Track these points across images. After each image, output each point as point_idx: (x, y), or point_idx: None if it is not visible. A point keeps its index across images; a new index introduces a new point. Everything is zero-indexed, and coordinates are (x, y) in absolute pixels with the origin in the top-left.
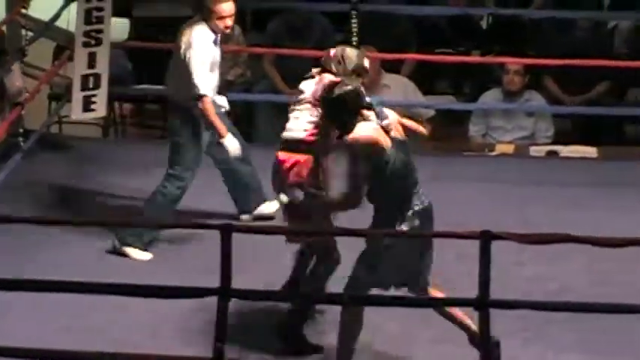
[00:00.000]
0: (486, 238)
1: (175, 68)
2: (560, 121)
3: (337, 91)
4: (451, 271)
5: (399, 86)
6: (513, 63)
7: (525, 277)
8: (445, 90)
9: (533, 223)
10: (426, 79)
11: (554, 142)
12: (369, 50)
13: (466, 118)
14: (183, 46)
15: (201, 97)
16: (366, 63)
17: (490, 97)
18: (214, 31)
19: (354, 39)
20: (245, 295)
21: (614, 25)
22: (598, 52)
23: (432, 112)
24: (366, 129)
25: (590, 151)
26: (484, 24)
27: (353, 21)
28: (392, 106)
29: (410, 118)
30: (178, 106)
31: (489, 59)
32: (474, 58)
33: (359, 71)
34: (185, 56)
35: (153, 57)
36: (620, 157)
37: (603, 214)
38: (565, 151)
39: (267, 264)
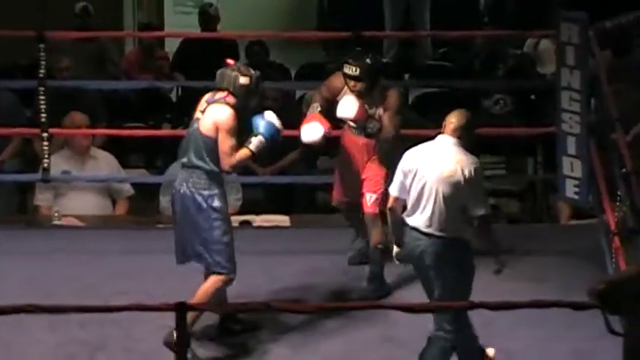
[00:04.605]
0: (182, 310)
1: None
2: (252, 190)
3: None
4: (148, 345)
5: (105, 160)
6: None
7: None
8: (138, 164)
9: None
10: (118, 153)
11: (246, 212)
12: (66, 126)
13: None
14: None
15: None
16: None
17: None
18: None
19: (43, 115)
20: None
21: (302, 95)
22: (286, 121)
23: (132, 191)
24: None
25: (283, 220)
26: (174, 97)
27: (41, 97)
28: (100, 180)
29: (111, 195)
30: None
31: (180, 132)
32: (164, 132)
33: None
34: None
35: None
36: (311, 225)
37: (301, 279)
38: (258, 220)
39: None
